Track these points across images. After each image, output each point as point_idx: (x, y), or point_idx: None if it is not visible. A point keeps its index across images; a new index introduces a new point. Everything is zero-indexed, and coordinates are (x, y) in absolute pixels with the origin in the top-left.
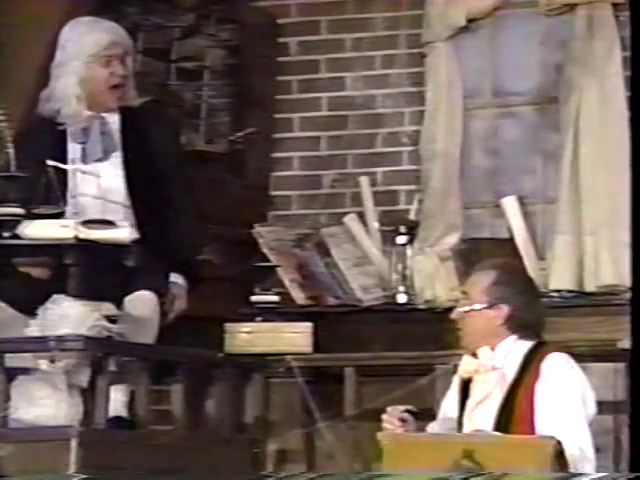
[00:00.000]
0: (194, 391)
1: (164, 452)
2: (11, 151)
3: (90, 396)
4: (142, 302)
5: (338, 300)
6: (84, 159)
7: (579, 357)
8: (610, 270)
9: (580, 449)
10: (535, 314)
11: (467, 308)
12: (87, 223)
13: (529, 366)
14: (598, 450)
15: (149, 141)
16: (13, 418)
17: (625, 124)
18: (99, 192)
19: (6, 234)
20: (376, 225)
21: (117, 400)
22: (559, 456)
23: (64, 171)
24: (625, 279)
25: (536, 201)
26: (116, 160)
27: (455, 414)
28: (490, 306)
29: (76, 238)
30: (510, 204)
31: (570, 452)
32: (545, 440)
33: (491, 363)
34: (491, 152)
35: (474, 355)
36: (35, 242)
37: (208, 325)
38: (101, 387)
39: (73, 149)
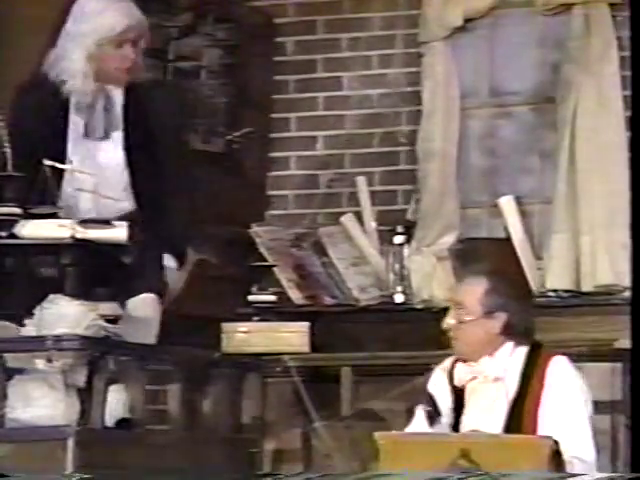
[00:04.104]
0: (191, 391)
1: (161, 452)
2: (8, 150)
3: (87, 396)
4: (145, 304)
5: (335, 300)
6: (86, 135)
7: (576, 357)
8: (607, 270)
9: (584, 455)
10: (530, 318)
11: (465, 318)
12: (84, 222)
13: (532, 374)
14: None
15: (151, 116)
16: (10, 418)
17: (622, 124)
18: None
19: (3, 234)
20: (373, 225)
21: (120, 401)
22: (555, 456)
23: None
24: (622, 279)
25: (533, 201)
26: (117, 138)
27: (446, 421)
28: (486, 315)
29: (73, 238)
30: (507, 204)
31: (577, 458)
32: (542, 440)
33: (494, 373)
34: (488, 152)
35: (465, 362)
36: (32, 242)
37: (205, 325)
38: (98, 387)
39: (75, 122)
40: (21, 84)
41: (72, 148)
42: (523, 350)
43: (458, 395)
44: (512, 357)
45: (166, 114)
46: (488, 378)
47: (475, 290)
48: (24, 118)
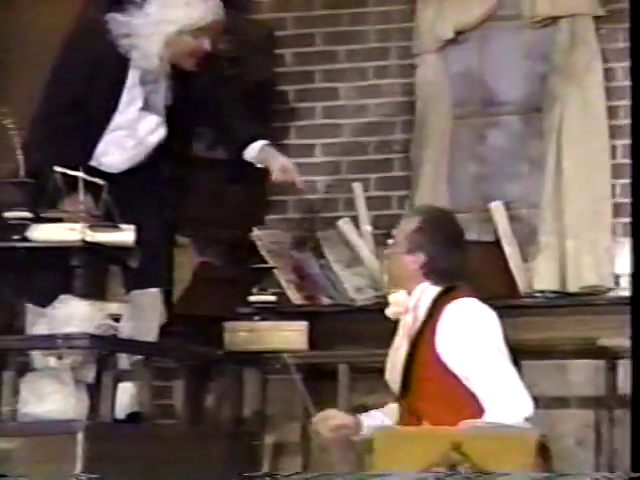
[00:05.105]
0: (195, 386)
1: (167, 445)
2: (20, 157)
3: (96, 391)
4: (148, 298)
5: (332, 300)
6: (147, 108)
7: (562, 354)
8: (591, 272)
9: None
10: (450, 262)
11: (390, 251)
12: (94, 227)
13: (434, 312)
14: (580, 444)
15: (193, 89)
16: (23, 412)
17: (605, 132)
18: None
19: (16, 237)
20: (369, 229)
21: (130, 395)
22: (542, 448)
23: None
24: (606, 280)
25: (521, 206)
26: (162, 114)
27: None
28: (409, 252)
29: (83, 241)
30: (497, 209)
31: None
32: (529, 433)
33: (403, 305)
34: (478, 159)
35: None
36: (43, 245)
37: (208, 324)
38: (106, 383)
39: (132, 89)
40: (79, 34)
41: (119, 114)
42: (435, 289)
43: None
44: (424, 295)
45: (207, 82)
46: (400, 309)
47: (406, 227)
48: (76, 65)
